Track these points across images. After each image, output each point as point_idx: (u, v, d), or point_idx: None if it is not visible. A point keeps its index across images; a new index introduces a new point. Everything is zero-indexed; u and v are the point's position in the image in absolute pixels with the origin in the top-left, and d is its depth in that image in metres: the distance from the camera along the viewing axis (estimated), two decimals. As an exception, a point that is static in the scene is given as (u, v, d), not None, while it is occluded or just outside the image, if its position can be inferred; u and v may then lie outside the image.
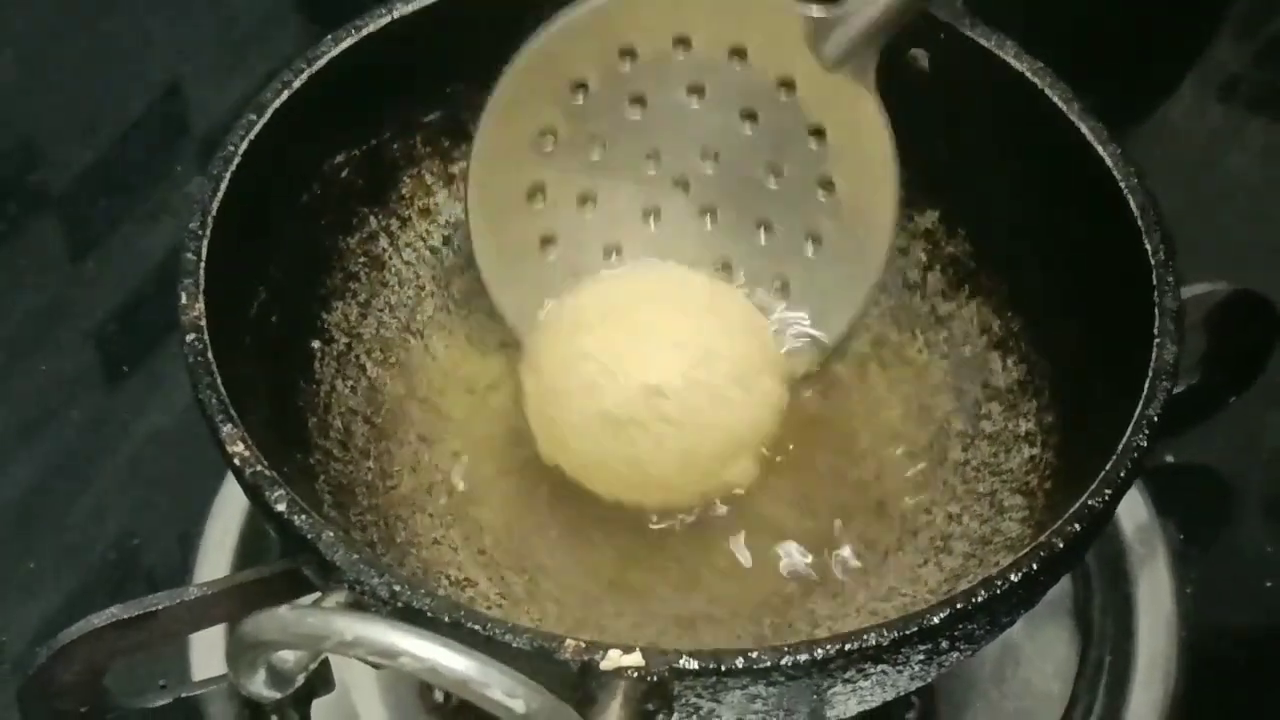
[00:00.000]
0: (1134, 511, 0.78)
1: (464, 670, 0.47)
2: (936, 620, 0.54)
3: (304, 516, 0.56)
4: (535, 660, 0.52)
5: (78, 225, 0.95)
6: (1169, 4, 1.05)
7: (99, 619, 0.60)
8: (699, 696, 0.54)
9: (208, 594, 0.61)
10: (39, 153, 0.99)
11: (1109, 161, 0.66)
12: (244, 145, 0.66)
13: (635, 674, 0.52)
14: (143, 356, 0.88)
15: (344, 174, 0.72)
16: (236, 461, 0.58)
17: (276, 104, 0.67)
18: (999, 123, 0.70)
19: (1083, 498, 0.57)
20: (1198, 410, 0.79)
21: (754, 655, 0.53)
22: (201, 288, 0.62)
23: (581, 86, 0.71)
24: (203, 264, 0.62)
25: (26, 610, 0.78)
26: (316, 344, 0.71)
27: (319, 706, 0.66)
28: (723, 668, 0.53)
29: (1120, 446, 0.59)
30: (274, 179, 0.68)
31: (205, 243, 0.63)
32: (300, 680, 0.52)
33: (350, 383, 0.72)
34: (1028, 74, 0.69)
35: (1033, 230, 0.71)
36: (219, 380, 0.60)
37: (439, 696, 0.74)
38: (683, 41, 0.70)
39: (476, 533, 0.70)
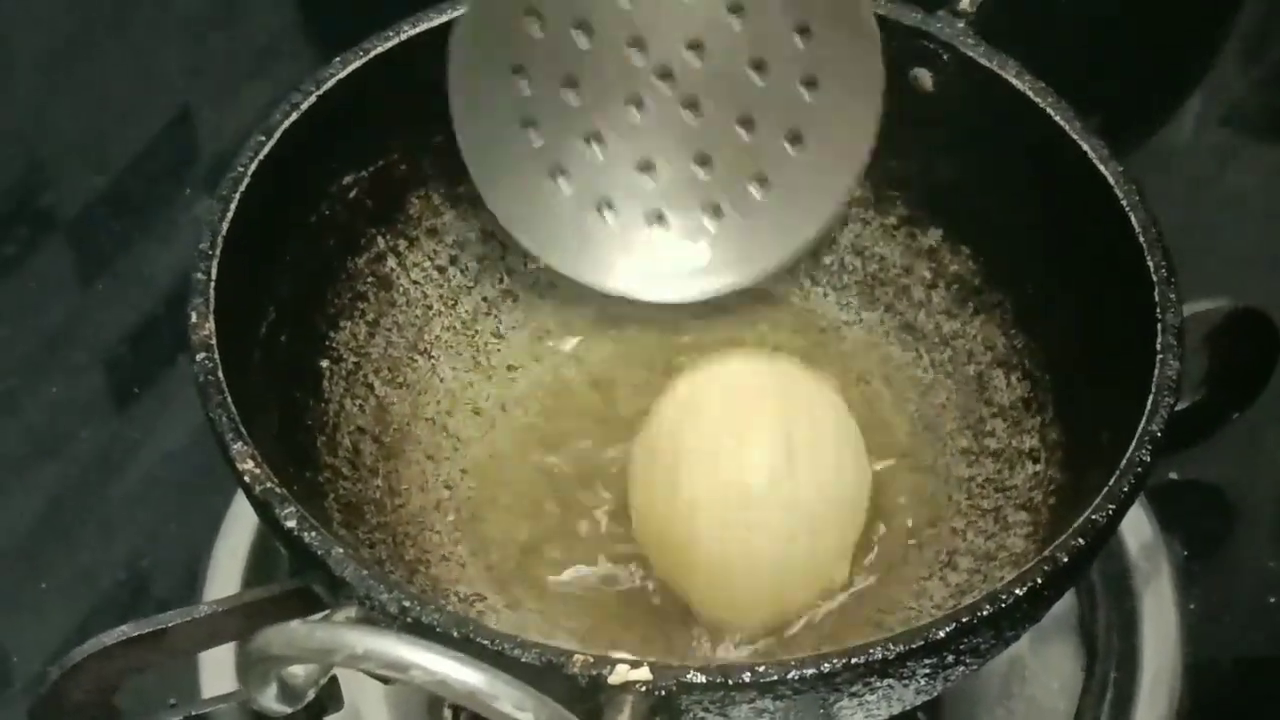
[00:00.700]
0: (1138, 529, 0.79)
1: (473, 683, 0.48)
2: (942, 634, 0.54)
3: (313, 533, 0.57)
4: (544, 674, 0.52)
5: (88, 248, 0.95)
6: (1172, 27, 1.06)
7: (109, 637, 0.60)
8: (706, 711, 0.54)
9: (217, 612, 0.62)
10: (49, 176, 0.99)
11: (1110, 180, 0.66)
12: (253, 166, 0.66)
13: (643, 688, 0.53)
14: (153, 378, 0.88)
15: (352, 194, 0.73)
16: (246, 479, 0.58)
17: (285, 125, 0.68)
18: (1001, 142, 0.71)
19: (1086, 513, 0.58)
20: (1201, 427, 0.79)
21: (761, 669, 0.53)
22: (211, 307, 0.62)
23: (584, 24, 0.72)
24: (213, 284, 0.63)
25: (37, 630, 0.78)
26: (325, 363, 0.71)
27: (328, 724, 0.67)
28: (730, 682, 0.53)
29: (1123, 462, 0.59)
30: (283, 200, 0.69)
31: (215, 263, 0.63)
32: (311, 695, 0.53)
33: (359, 402, 0.72)
34: (1030, 93, 0.69)
35: (1035, 248, 0.71)
36: (229, 399, 0.60)
37: (448, 715, 0.74)
38: None
39: (484, 549, 0.70)
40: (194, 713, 0.66)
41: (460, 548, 0.70)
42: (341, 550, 0.56)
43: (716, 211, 0.76)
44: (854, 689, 0.55)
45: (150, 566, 0.81)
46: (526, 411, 0.74)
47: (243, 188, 0.66)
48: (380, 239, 0.74)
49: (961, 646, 0.56)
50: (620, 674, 0.52)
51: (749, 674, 0.53)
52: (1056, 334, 0.71)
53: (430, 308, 0.76)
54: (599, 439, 0.73)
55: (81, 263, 0.94)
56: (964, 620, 0.55)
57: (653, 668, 0.53)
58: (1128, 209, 0.66)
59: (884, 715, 0.58)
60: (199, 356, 0.61)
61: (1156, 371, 0.61)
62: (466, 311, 0.76)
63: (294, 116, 0.68)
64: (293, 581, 0.61)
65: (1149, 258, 0.64)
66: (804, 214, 0.75)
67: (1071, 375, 0.70)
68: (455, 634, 0.53)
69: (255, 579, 0.77)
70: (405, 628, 0.54)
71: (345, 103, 0.70)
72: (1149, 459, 0.59)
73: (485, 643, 0.53)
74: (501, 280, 0.77)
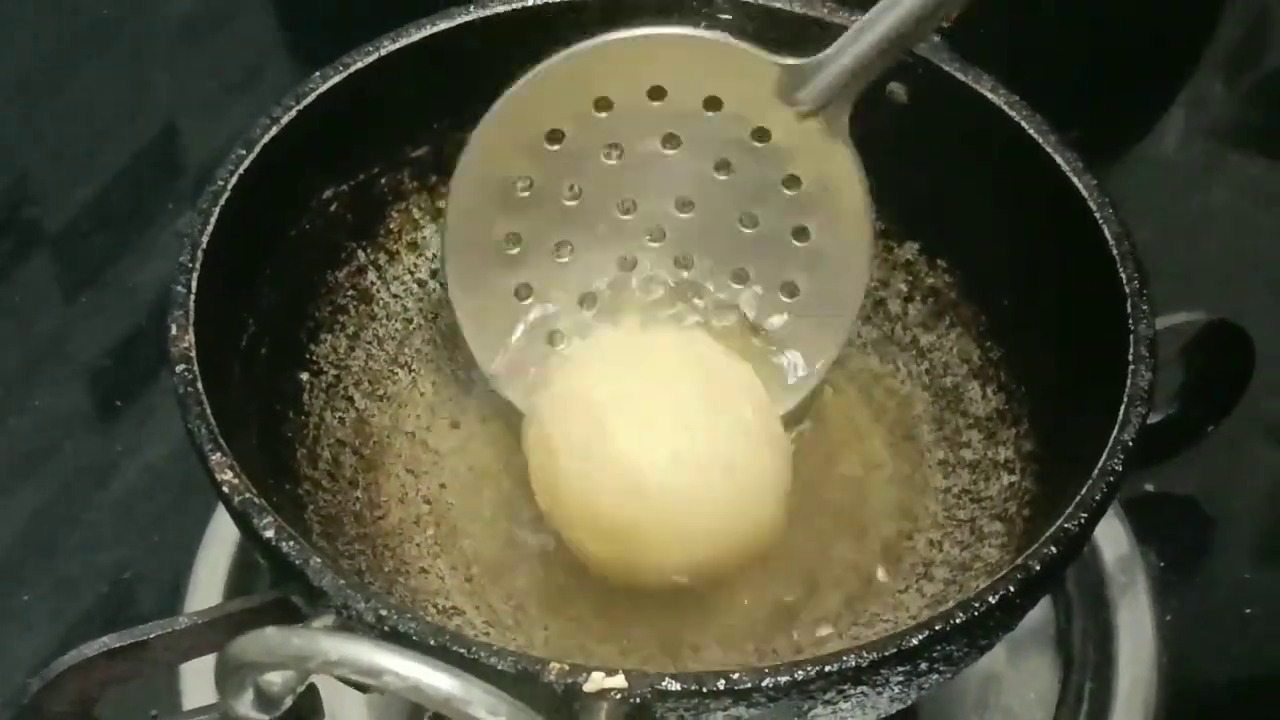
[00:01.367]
0: (1114, 540, 0.79)
1: (447, 689, 0.48)
2: (915, 642, 0.55)
3: (291, 543, 0.57)
4: (519, 683, 0.53)
5: (72, 262, 0.95)
6: (1150, 42, 1.07)
7: (90, 648, 0.61)
8: (681, 718, 0.54)
9: (198, 623, 0.62)
10: (33, 190, 0.99)
11: (1084, 192, 0.67)
12: (233, 180, 0.66)
13: (618, 696, 0.53)
14: (136, 392, 0.88)
15: (332, 208, 0.73)
16: (225, 489, 0.58)
17: (265, 139, 0.68)
18: (977, 155, 0.71)
19: (1059, 521, 0.58)
20: (1177, 440, 0.80)
21: (735, 677, 0.54)
22: (191, 319, 0.62)
23: (557, 135, 0.71)
24: (193, 296, 0.63)
25: (19, 643, 0.79)
26: (305, 376, 0.72)
27: (308, 735, 0.67)
28: (704, 689, 0.53)
29: (1095, 471, 0.59)
30: (263, 213, 0.69)
31: (195, 275, 0.64)
32: (288, 702, 0.53)
33: (339, 414, 0.72)
34: (1004, 107, 0.70)
35: (1011, 261, 0.71)
36: (208, 410, 0.60)
37: (427, 726, 0.74)
38: (658, 92, 0.70)
39: (463, 562, 0.70)
40: (175, 724, 0.66)
41: (439, 561, 0.70)
42: (319, 560, 0.56)
43: None
44: (828, 696, 0.55)
45: (132, 579, 0.81)
46: (506, 425, 0.74)
47: (223, 201, 0.66)
48: (361, 252, 0.75)
49: (935, 654, 0.56)
50: (595, 681, 0.53)
51: (723, 681, 0.53)
52: (1032, 346, 0.71)
53: (410, 321, 0.76)
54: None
55: (66, 276, 0.95)
56: (937, 628, 0.55)
57: (628, 675, 0.53)
58: (1101, 221, 0.66)
59: (859, 723, 0.58)
60: (179, 368, 0.61)
61: (1129, 382, 0.61)
62: (447, 325, 0.76)
63: (274, 130, 0.68)
64: (272, 593, 0.62)
65: (1121, 270, 0.65)
66: (799, 369, 0.74)
67: (1047, 387, 0.70)
68: (431, 642, 0.54)
69: (237, 592, 0.77)
70: (382, 636, 0.54)
71: (326, 117, 0.70)
72: (1121, 468, 0.59)
73: (461, 651, 0.53)
74: (482, 294, 0.77)
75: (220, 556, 0.79)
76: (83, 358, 0.90)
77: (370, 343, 0.75)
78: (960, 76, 0.71)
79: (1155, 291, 0.65)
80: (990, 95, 0.70)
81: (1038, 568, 0.57)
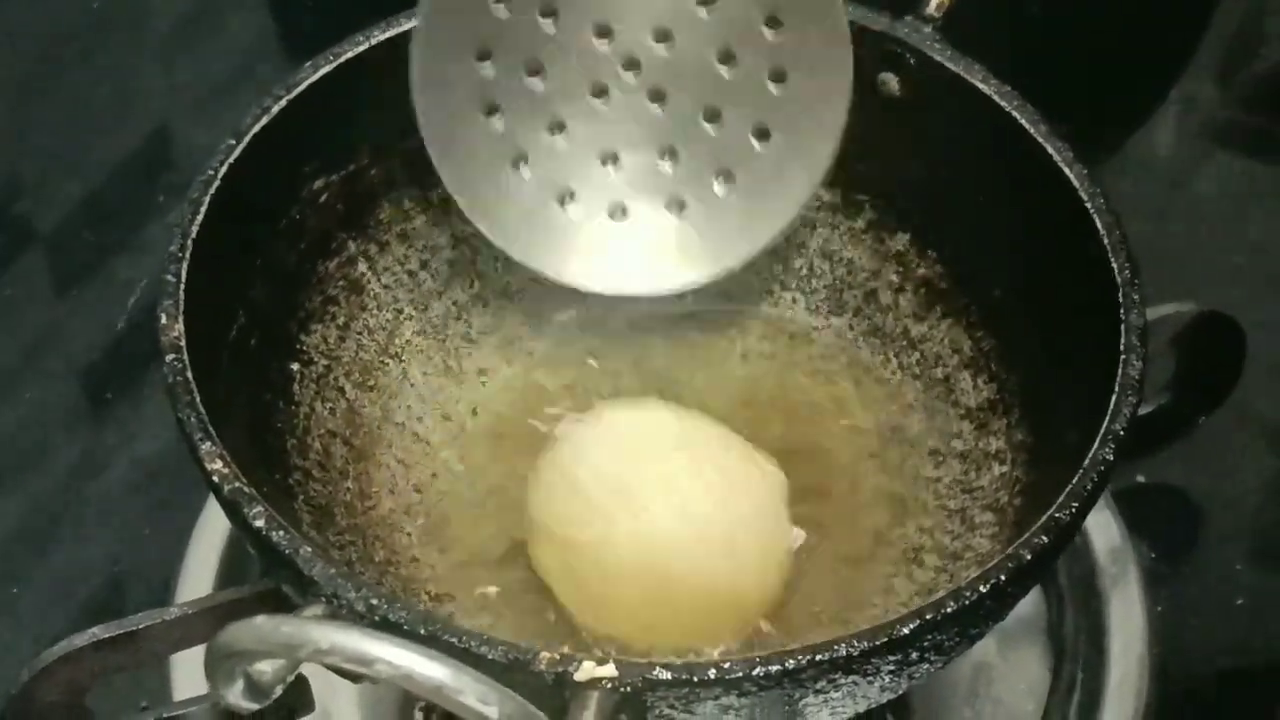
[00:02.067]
0: (1106, 531, 0.79)
1: (438, 677, 0.48)
2: (906, 631, 0.55)
3: (281, 532, 0.57)
4: (511, 672, 0.53)
5: (63, 258, 0.95)
6: (1141, 39, 1.07)
7: (80, 639, 0.61)
8: (672, 707, 0.54)
9: (188, 613, 0.62)
10: (26, 187, 0.99)
11: (1075, 182, 0.67)
12: (223, 170, 0.66)
13: (609, 685, 0.53)
14: (127, 386, 0.88)
15: (323, 199, 0.73)
16: (215, 478, 0.58)
17: (255, 129, 0.68)
18: (968, 146, 0.71)
19: (1049, 511, 0.58)
20: (1168, 431, 0.80)
21: (726, 666, 0.53)
22: (181, 309, 0.62)
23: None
24: (182, 286, 0.63)
25: (10, 634, 0.79)
26: (295, 366, 0.72)
27: (299, 727, 0.67)
28: (695, 678, 0.53)
29: (1086, 461, 0.59)
30: (253, 203, 0.69)
31: (185, 265, 0.64)
32: (278, 691, 0.53)
33: (329, 405, 0.72)
34: (996, 97, 0.70)
35: (1002, 251, 0.72)
36: (198, 399, 0.60)
37: (419, 717, 0.74)
38: None
39: (454, 551, 0.70)
40: (165, 715, 0.66)
41: (430, 550, 0.70)
42: (309, 549, 0.56)
43: (680, 206, 0.74)
44: (819, 685, 0.55)
45: (123, 571, 0.81)
46: (497, 416, 0.75)
47: (212, 191, 0.66)
48: (351, 243, 0.75)
49: (926, 644, 0.56)
50: (586, 670, 0.53)
51: (714, 670, 0.53)
52: (1023, 337, 0.71)
53: (401, 312, 0.76)
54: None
55: (57, 272, 0.95)
56: (928, 617, 0.55)
57: (618, 664, 0.53)
58: (1092, 211, 0.66)
59: (850, 712, 0.58)
60: (168, 358, 0.61)
61: (1120, 371, 0.61)
62: (437, 316, 0.76)
63: (264, 120, 0.68)
64: (263, 582, 0.62)
65: (1113, 259, 0.65)
66: (769, 211, 0.73)
67: (1037, 377, 0.70)
68: (422, 631, 0.54)
69: (227, 583, 0.77)
70: (373, 625, 0.54)
71: (316, 107, 0.70)
72: (1112, 457, 0.59)
73: (452, 640, 0.53)
74: (472, 285, 0.77)
75: (211, 548, 0.78)
76: (74, 352, 0.90)
77: (361, 333, 0.75)
78: (952, 67, 0.71)
79: (1146, 284, 0.65)
80: (981, 86, 0.70)
81: (1029, 557, 0.57)
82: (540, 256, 0.75)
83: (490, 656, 0.53)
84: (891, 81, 0.72)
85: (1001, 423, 0.71)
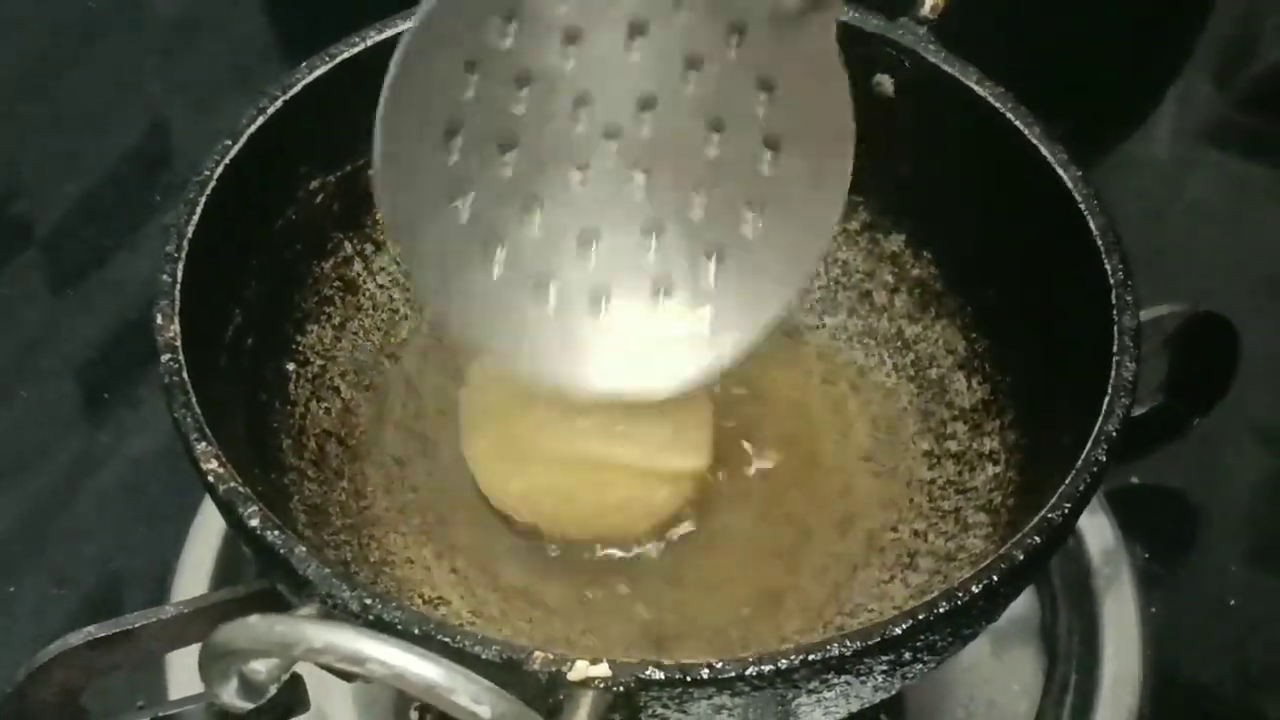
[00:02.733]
0: (1099, 533, 0.79)
1: (431, 676, 0.48)
2: (899, 631, 0.55)
3: (276, 532, 0.57)
4: (504, 672, 0.53)
5: (60, 258, 0.95)
6: (1138, 40, 1.07)
7: (76, 638, 0.61)
8: (665, 707, 0.54)
9: (183, 613, 0.62)
10: (22, 186, 1.00)
11: (1069, 183, 0.67)
12: (219, 170, 0.67)
13: (602, 685, 0.53)
14: (123, 386, 0.89)
15: (319, 199, 0.73)
16: (210, 478, 0.58)
17: (252, 129, 0.68)
18: (963, 147, 0.71)
19: (1042, 511, 0.58)
20: (1162, 433, 0.80)
21: (719, 666, 0.54)
22: (177, 309, 0.62)
23: (508, 20, 0.62)
24: (178, 285, 0.63)
25: (5, 633, 0.79)
26: (292, 366, 0.72)
27: (294, 727, 0.67)
28: (688, 678, 0.53)
29: (1079, 461, 0.59)
30: (249, 203, 0.69)
31: (180, 265, 0.64)
32: (273, 690, 0.53)
33: (325, 405, 0.72)
34: (990, 99, 0.70)
35: (997, 252, 0.72)
36: (194, 399, 0.60)
37: (414, 717, 0.74)
38: None
39: (449, 552, 0.70)
40: (161, 714, 0.66)
41: (425, 550, 0.70)
42: (304, 549, 0.56)
43: (668, 291, 0.68)
44: (812, 685, 0.55)
45: (119, 571, 0.81)
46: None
47: (208, 191, 0.66)
48: (347, 243, 0.75)
49: (919, 644, 0.56)
50: (579, 670, 0.53)
51: (707, 670, 0.53)
52: (1017, 338, 0.71)
53: (397, 312, 0.76)
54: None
55: (54, 272, 0.95)
56: (921, 617, 0.55)
57: (612, 664, 0.53)
58: (1086, 213, 0.66)
59: (843, 713, 0.58)
60: (164, 358, 0.61)
61: (1113, 373, 0.62)
62: (433, 316, 0.76)
63: (260, 120, 0.68)
64: (258, 583, 0.62)
65: (1106, 261, 0.65)
66: (763, 293, 0.67)
67: (1031, 378, 0.70)
68: (416, 631, 0.54)
69: (223, 583, 0.77)
70: (367, 625, 0.54)
71: (312, 107, 0.70)
72: (1105, 458, 0.59)
73: (446, 639, 0.53)
74: (468, 284, 0.77)
75: (206, 548, 0.79)
76: (70, 352, 0.90)
77: (356, 333, 0.75)
78: (946, 68, 0.71)
79: (1140, 286, 0.65)
80: (976, 87, 0.71)
81: (1021, 557, 0.57)
82: (513, 350, 0.68)
83: (484, 656, 0.53)
84: (886, 83, 0.72)
85: (995, 423, 0.71)
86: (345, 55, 0.71)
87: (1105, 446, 0.60)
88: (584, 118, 0.65)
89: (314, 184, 0.73)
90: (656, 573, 0.70)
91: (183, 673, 0.72)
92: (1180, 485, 0.85)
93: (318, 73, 0.71)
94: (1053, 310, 0.69)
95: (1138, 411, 0.62)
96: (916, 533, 0.70)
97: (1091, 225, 0.66)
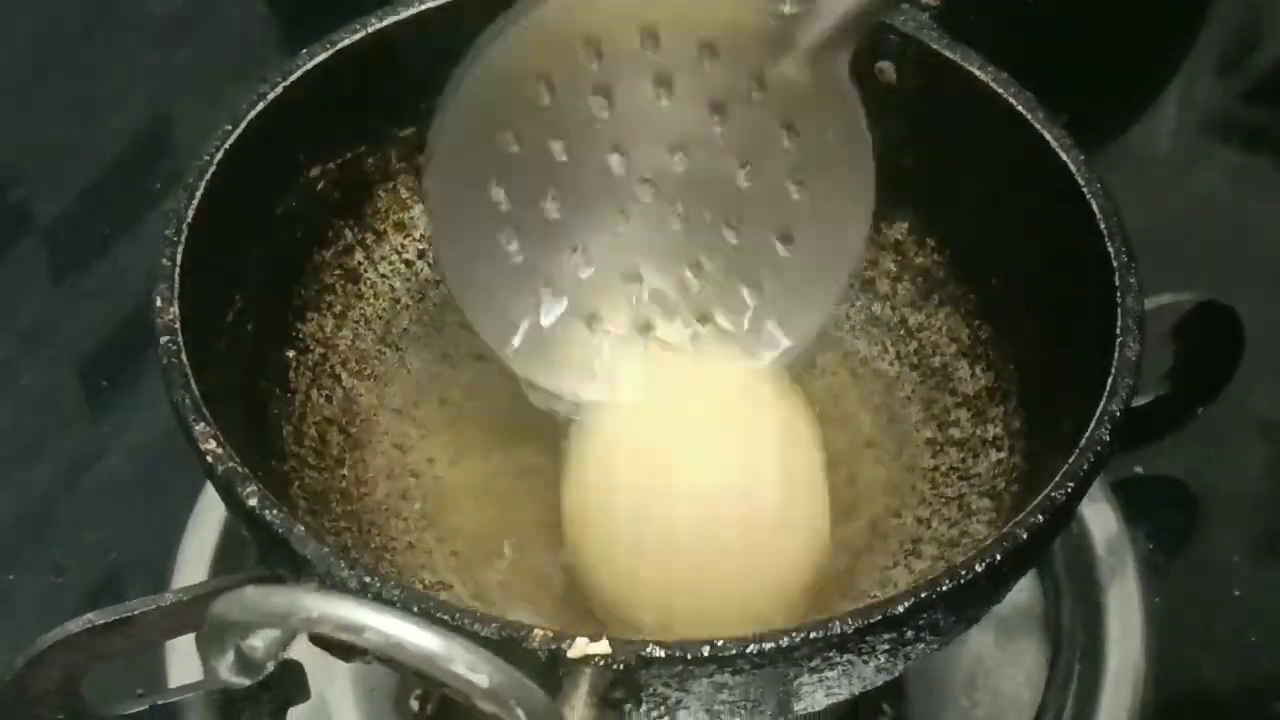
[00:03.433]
0: (1104, 522, 0.79)
1: (428, 646, 0.48)
2: (901, 609, 0.55)
3: (275, 511, 0.57)
4: (503, 649, 0.52)
5: (61, 247, 0.96)
6: (1140, 31, 1.07)
7: (75, 625, 0.61)
8: (666, 685, 0.54)
9: (183, 600, 0.62)
10: (23, 175, 1.00)
11: (1072, 168, 0.67)
12: (219, 155, 0.66)
13: (602, 662, 0.53)
14: (124, 375, 0.89)
15: (320, 186, 0.73)
16: (209, 459, 0.58)
17: (251, 115, 0.68)
18: (965, 133, 0.71)
19: (1045, 490, 0.58)
20: (1166, 422, 0.80)
21: (720, 644, 0.53)
22: (176, 292, 0.62)
23: (545, 81, 0.68)
24: (177, 269, 0.63)
25: (5, 622, 0.79)
26: (292, 354, 0.72)
27: (295, 716, 0.67)
28: (689, 656, 0.53)
29: (1083, 441, 0.59)
30: (249, 189, 0.69)
31: (180, 250, 0.63)
32: (270, 667, 0.53)
33: (325, 392, 0.72)
34: (993, 84, 0.70)
35: (1000, 238, 0.71)
36: (192, 382, 0.60)
37: (415, 705, 0.74)
38: (651, 37, 0.68)
39: (451, 537, 0.70)
40: (161, 701, 0.66)
41: (426, 535, 0.70)
42: (303, 529, 0.56)
43: (706, 319, 0.72)
44: (814, 664, 0.55)
45: (118, 559, 0.81)
46: (493, 402, 0.74)
47: (208, 176, 0.66)
48: (348, 232, 0.75)
49: (921, 623, 0.56)
50: (579, 647, 0.52)
51: (708, 648, 0.53)
52: (1020, 324, 0.71)
53: (398, 301, 0.76)
54: (566, 429, 0.73)
55: (54, 261, 0.95)
56: (924, 596, 0.55)
57: (612, 641, 0.53)
58: (1089, 196, 0.66)
59: (845, 693, 0.58)
60: (163, 340, 0.61)
61: (1116, 353, 0.61)
62: (434, 304, 0.76)
63: (260, 106, 0.68)
64: (258, 568, 0.62)
65: (1110, 244, 0.65)
66: (798, 316, 0.71)
67: (1035, 364, 0.70)
68: (415, 608, 0.53)
69: (223, 572, 0.77)
70: (366, 603, 0.54)
71: (312, 94, 0.70)
72: (1109, 438, 0.59)
73: (445, 616, 0.53)
74: (469, 273, 0.77)
75: (206, 537, 0.79)
76: (71, 341, 0.90)
77: (357, 322, 0.75)
78: (948, 54, 0.71)
79: (1143, 276, 0.64)
80: (978, 73, 0.70)
81: (1024, 536, 0.57)
82: (566, 381, 0.72)
83: (483, 634, 0.53)
84: (889, 70, 0.72)
85: (999, 410, 0.71)
86: (346, 42, 0.71)
87: (1109, 426, 0.59)
88: (621, 163, 0.70)
89: (314, 171, 0.72)
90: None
91: (182, 660, 0.72)
92: (1184, 475, 0.85)
93: (318, 60, 0.70)
94: (1056, 296, 0.68)
95: (1142, 401, 0.62)
96: (920, 519, 0.70)
97: (1094, 209, 0.66)
